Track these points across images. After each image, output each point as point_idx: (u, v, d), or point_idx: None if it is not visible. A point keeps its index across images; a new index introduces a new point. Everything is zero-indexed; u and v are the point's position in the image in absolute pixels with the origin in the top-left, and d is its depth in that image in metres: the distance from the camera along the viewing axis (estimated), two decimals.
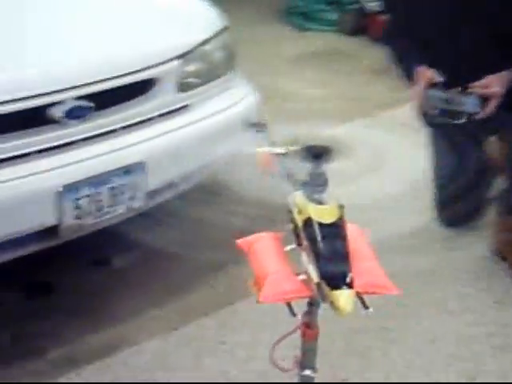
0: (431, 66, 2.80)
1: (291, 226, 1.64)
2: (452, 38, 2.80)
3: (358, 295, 1.57)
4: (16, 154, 2.40)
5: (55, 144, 2.48)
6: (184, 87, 2.83)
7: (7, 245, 2.44)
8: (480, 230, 3.15)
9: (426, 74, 2.78)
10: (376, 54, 4.65)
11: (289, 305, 1.58)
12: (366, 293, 1.60)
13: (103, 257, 2.99)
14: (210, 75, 2.95)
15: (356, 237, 1.66)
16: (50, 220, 2.44)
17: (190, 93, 2.85)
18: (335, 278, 1.50)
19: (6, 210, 2.36)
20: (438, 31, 2.84)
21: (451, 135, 3.02)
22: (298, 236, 1.62)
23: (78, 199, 2.47)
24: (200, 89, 2.89)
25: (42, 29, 2.61)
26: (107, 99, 2.59)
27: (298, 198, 1.65)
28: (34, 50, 2.52)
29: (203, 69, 2.92)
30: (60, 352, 2.48)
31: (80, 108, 2.50)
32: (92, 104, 2.52)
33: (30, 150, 2.43)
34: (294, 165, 1.73)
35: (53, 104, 2.46)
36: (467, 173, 3.08)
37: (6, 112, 2.37)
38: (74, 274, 2.89)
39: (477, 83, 2.71)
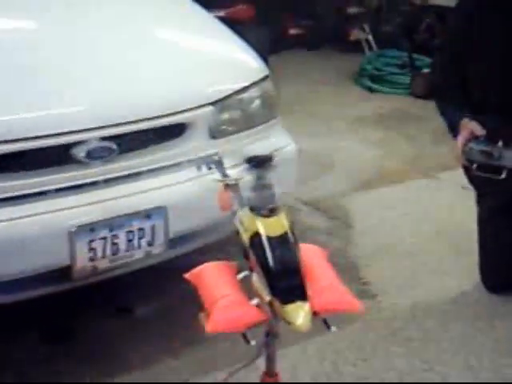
0: (474, 118, 2.66)
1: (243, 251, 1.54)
2: (499, 90, 2.67)
3: (318, 314, 1.45)
4: (34, 191, 2.38)
5: (75, 183, 2.44)
6: (217, 134, 2.76)
7: (20, 284, 2.39)
8: None
9: (469, 125, 2.64)
10: None
11: (243, 333, 1.47)
12: (327, 311, 1.48)
13: (127, 305, 2.91)
14: (245, 123, 2.86)
15: (313, 256, 1.56)
16: (62, 260, 2.39)
17: (222, 140, 2.78)
18: (286, 291, 1.40)
19: (18, 247, 2.32)
20: (484, 84, 2.73)
21: (498, 197, 2.86)
22: (248, 259, 1.52)
23: (92, 241, 2.41)
24: (234, 136, 2.81)
25: (72, 68, 2.59)
26: (134, 141, 2.55)
27: (243, 215, 1.55)
28: (61, 88, 2.50)
29: (238, 117, 2.85)
30: None
31: (103, 149, 2.46)
32: (116, 146, 2.47)
33: (49, 188, 2.40)
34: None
35: (76, 143, 2.42)
36: None
37: (29, 149, 2.35)
38: (96, 321, 2.82)
39: None
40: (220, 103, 2.75)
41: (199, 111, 2.69)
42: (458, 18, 2.95)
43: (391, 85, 6.09)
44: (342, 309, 1.53)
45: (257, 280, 1.48)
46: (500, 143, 2.56)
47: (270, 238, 1.47)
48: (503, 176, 2.55)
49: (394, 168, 4.44)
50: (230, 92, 2.80)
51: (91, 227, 2.39)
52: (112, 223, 2.44)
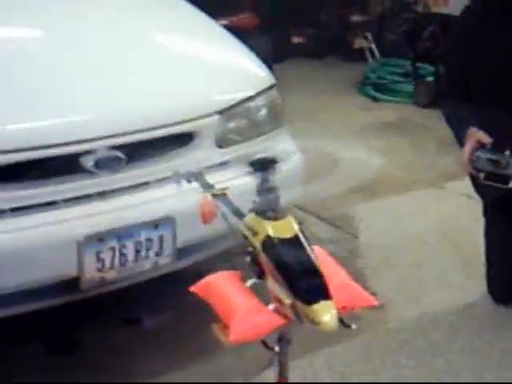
0: (482, 128, 2.65)
1: (248, 258, 1.53)
2: (505, 98, 2.66)
3: (338, 313, 1.43)
4: (42, 201, 2.36)
5: (83, 193, 2.42)
6: (224, 143, 2.75)
7: (27, 295, 2.37)
8: None
9: (476, 134, 2.63)
10: None
11: (263, 340, 1.46)
12: (345, 308, 1.46)
13: (134, 316, 2.90)
14: (252, 132, 2.85)
15: (321, 256, 1.54)
16: (70, 271, 2.37)
17: (229, 149, 2.76)
18: (309, 291, 1.37)
19: (26, 257, 2.30)
20: (490, 93, 2.72)
21: (505, 208, 2.84)
22: (258, 265, 1.50)
23: (100, 251, 2.39)
24: (241, 145, 2.80)
25: (79, 77, 2.59)
26: (142, 150, 2.54)
27: (250, 220, 1.54)
28: (69, 97, 2.50)
29: (245, 126, 2.84)
30: None
31: (112, 158, 2.45)
32: (124, 155, 2.46)
33: (57, 198, 2.39)
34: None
35: (84, 153, 2.41)
36: None
37: (36, 159, 2.34)
38: (102, 332, 2.80)
39: None
40: (227, 112, 2.74)
41: (206, 120, 2.68)
42: (467, 20, 2.92)
43: (395, 93, 6.08)
44: (359, 305, 1.51)
45: (274, 284, 1.45)
46: (507, 152, 2.54)
47: (283, 240, 1.46)
48: (510, 185, 2.53)
49: (399, 177, 4.42)
50: (237, 101, 2.79)
51: (99, 237, 2.38)
52: (120, 233, 2.42)
